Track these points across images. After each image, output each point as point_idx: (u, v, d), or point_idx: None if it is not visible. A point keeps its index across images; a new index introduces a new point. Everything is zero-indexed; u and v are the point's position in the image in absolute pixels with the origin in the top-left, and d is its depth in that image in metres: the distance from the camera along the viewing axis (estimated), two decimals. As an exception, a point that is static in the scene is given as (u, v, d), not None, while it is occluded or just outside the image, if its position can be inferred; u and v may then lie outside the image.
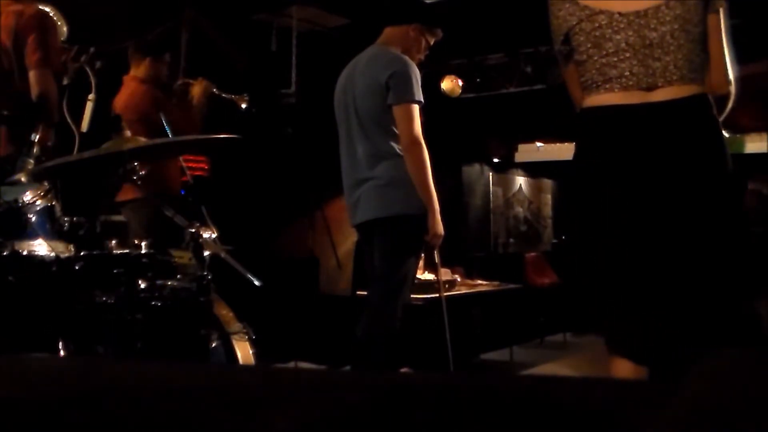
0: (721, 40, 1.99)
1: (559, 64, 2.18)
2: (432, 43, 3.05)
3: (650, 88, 1.95)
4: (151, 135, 2.93)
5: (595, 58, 2.00)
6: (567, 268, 2.36)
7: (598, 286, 2.02)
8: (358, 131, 2.90)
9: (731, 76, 2.01)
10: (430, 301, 4.42)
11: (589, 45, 2.01)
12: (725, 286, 1.92)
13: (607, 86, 1.98)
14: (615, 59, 1.97)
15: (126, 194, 3.43)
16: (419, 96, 2.81)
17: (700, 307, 1.93)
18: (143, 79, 3.70)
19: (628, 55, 1.95)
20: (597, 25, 1.98)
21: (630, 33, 1.95)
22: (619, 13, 1.96)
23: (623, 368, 1.96)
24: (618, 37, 1.96)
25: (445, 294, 4.37)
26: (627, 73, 1.95)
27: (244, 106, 3.75)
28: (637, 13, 1.95)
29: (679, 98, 1.94)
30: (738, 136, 6.64)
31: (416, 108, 2.80)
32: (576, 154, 2.07)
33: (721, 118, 1.99)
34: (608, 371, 2.03)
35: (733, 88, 2.02)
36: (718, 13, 1.98)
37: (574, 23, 2.02)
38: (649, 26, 1.94)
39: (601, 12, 1.97)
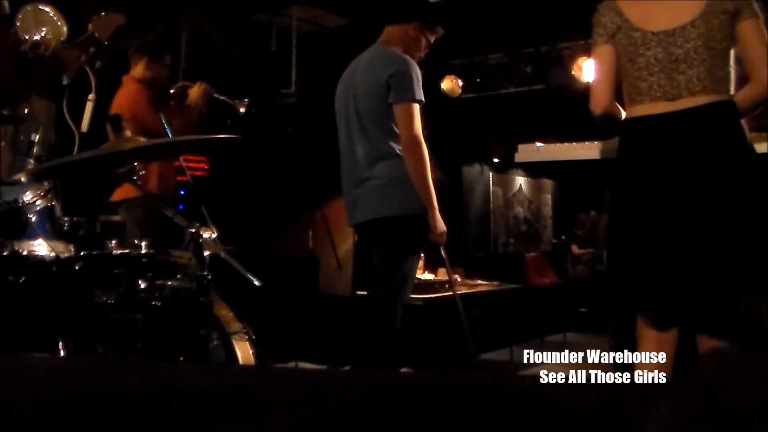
0: (762, 44, 2.12)
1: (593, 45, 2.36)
2: (432, 41, 3.04)
3: (675, 99, 2.14)
4: (145, 135, 2.92)
5: (630, 71, 2.22)
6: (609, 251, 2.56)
7: (632, 258, 2.20)
8: (358, 131, 2.89)
9: None
10: (430, 301, 4.42)
11: (625, 59, 2.23)
12: (732, 266, 2.06)
13: (638, 98, 2.20)
14: (645, 73, 2.18)
15: (121, 194, 3.43)
16: (420, 95, 2.80)
17: (713, 287, 2.10)
18: (139, 79, 3.71)
19: (656, 69, 2.17)
20: (632, 40, 2.20)
21: (659, 50, 2.17)
22: (652, 32, 2.18)
23: (649, 336, 2.19)
24: (649, 53, 2.18)
25: (445, 294, 4.37)
26: (655, 86, 2.17)
27: (242, 110, 3.74)
28: (666, 32, 2.16)
29: (700, 105, 2.12)
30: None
31: (417, 107, 2.79)
32: (617, 158, 2.29)
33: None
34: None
35: None
36: (749, 20, 2.11)
37: (614, 31, 2.24)
38: (675, 44, 2.15)
39: (638, 30, 2.19)
